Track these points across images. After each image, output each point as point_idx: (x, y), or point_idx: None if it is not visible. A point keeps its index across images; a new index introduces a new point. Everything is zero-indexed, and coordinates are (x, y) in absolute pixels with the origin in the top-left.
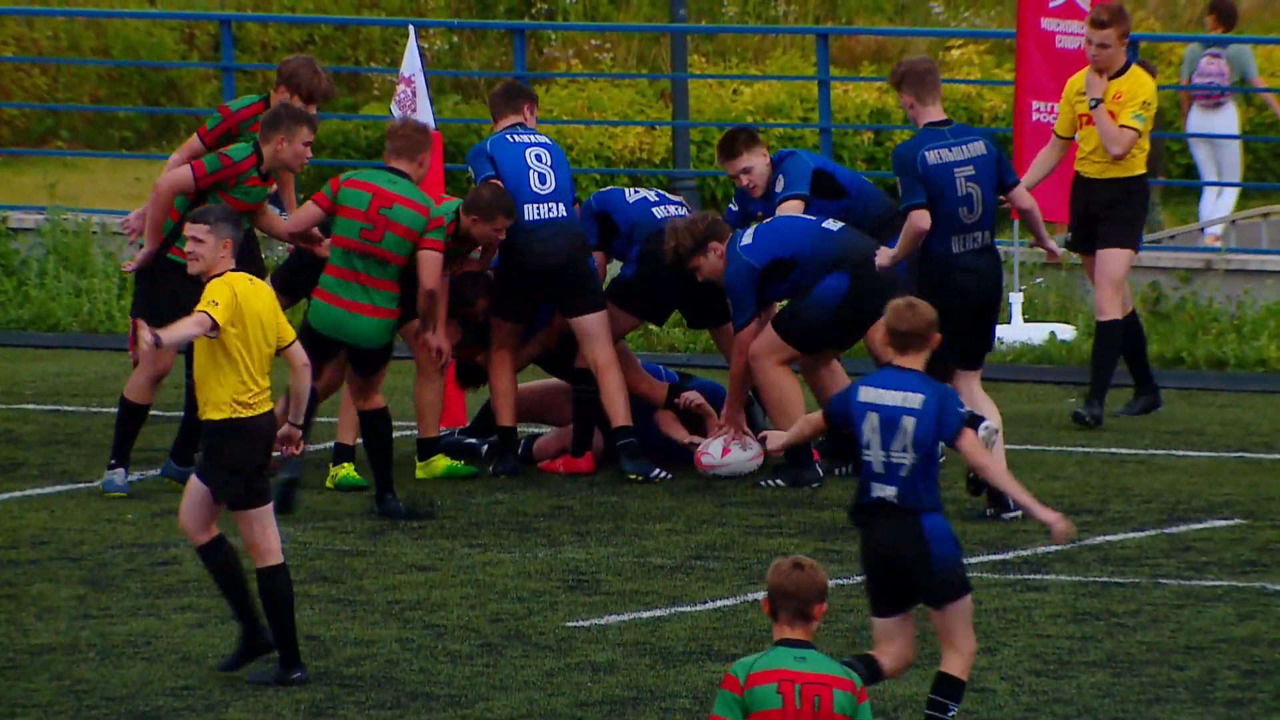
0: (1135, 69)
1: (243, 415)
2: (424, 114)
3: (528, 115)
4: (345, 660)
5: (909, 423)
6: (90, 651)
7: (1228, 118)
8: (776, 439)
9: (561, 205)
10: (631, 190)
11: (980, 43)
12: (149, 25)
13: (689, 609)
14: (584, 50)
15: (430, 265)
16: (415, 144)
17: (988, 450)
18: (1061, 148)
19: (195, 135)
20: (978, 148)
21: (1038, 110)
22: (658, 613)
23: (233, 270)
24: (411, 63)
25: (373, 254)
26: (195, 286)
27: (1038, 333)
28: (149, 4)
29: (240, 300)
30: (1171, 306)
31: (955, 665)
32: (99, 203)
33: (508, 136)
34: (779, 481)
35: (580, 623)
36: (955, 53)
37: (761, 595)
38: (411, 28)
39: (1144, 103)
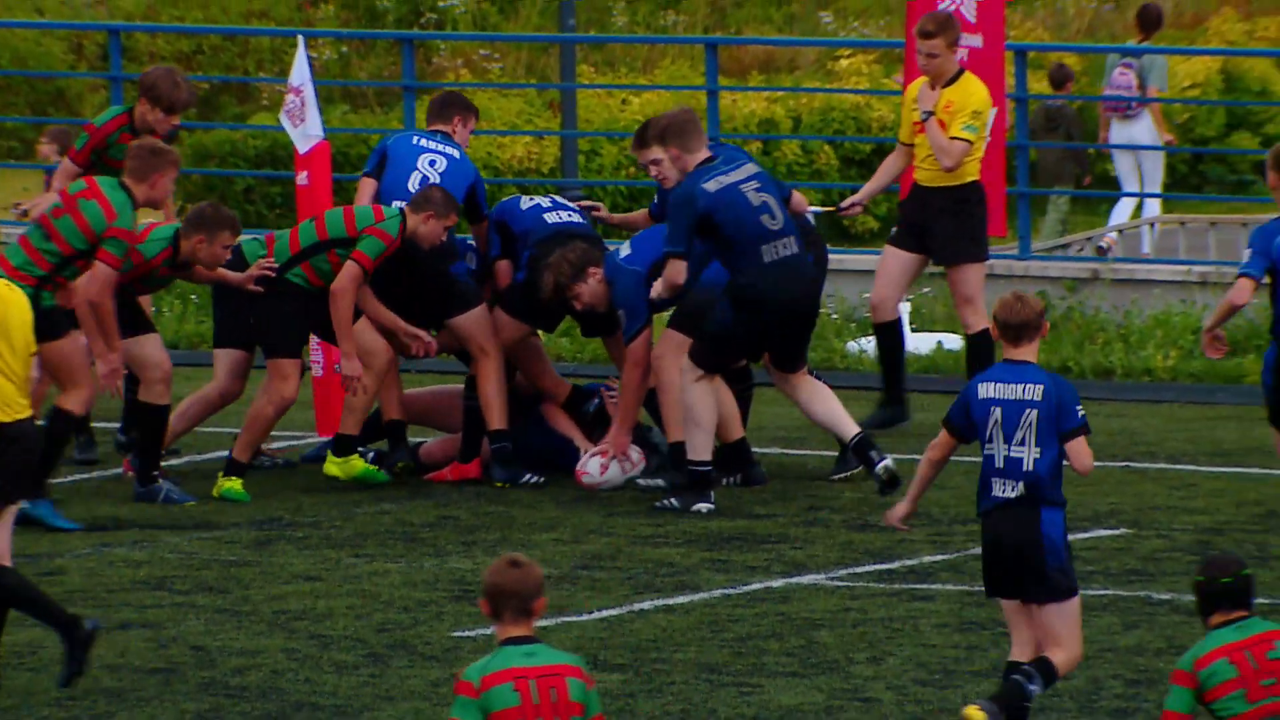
0: (967, 77)
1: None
2: (313, 123)
3: (457, 127)
4: (231, 670)
5: (1032, 415)
6: None
7: (1143, 127)
8: (896, 514)
9: None
10: (526, 198)
11: (869, 52)
12: (37, 35)
13: (575, 619)
14: (473, 60)
15: (98, 276)
16: (149, 165)
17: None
18: (906, 154)
19: (66, 158)
20: (750, 168)
21: None
22: (544, 623)
23: None
24: (300, 73)
25: (50, 231)
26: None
27: (925, 342)
28: (37, 14)
29: None
30: (1058, 316)
31: (1057, 657)
32: None
33: (414, 138)
34: (673, 502)
35: (466, 633)
36: (844, 62)
37: (648, 605)
38: (300, 38)
39: (974, 112)
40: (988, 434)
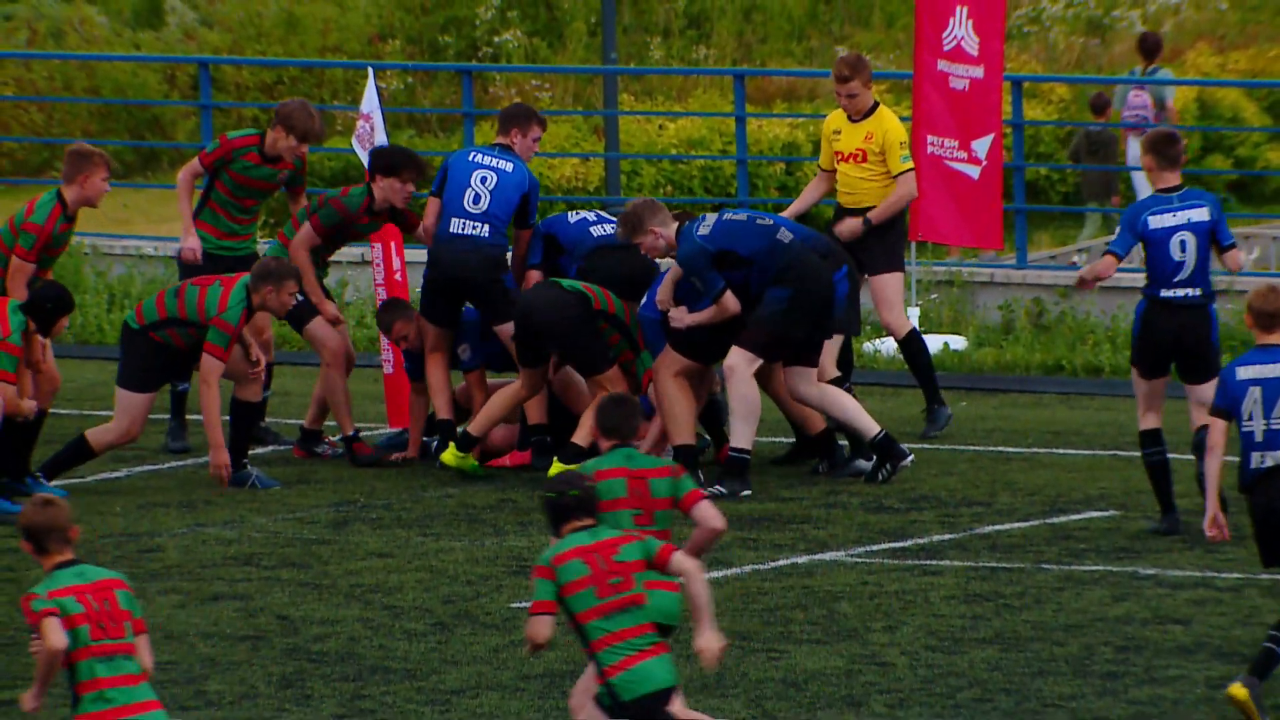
0: (882, 110)
1: None
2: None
3: (516, 139)
4: (312, 638)
5: None
6: None
7: None
8: (1211, 522)
9: (487, 227)
10: (574, 213)
11: (881, 83)
12: (135, 67)
13: None
14: (525, 89)
15: (11, 272)
16: (76, 168)
17: None
18: (827, 180)
19: (196, 158)
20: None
21: (933, 144)
22: None
23: None
24: (370, 101)
25: None
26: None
27: (933, 343)
28: (135, 48)
29: None
30: (1052, 319)
31: None
32: (90, 227)
33: (470, 154)
34: (720, 489)
35: (523, 604)
36: None
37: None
38: (370, 69)
39: (901, 143)
40: (1246, 412)
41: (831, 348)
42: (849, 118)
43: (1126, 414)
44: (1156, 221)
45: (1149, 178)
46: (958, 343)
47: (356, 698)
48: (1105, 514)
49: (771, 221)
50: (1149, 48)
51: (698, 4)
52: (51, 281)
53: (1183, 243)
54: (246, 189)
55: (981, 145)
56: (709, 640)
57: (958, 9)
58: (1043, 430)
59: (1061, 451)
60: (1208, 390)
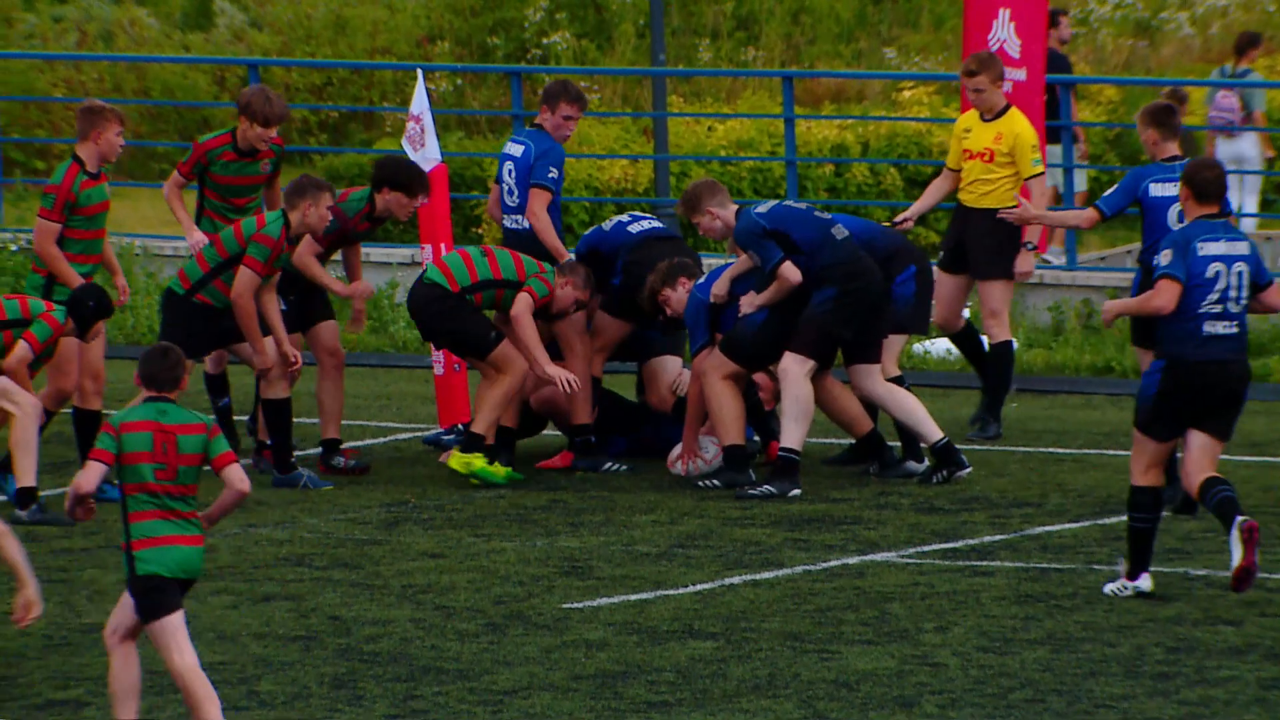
0: (1014, 112)
1: None
2: (431, 148)
3: (545, 116)
4: (364, 638)
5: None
6: None
7: (1249, 144)
8: None
9: (523, 217)
10: (607, 222)
11: (929, 84)
12: (184, 69)
13: (672, 592)
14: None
15: (37, 232)
16: (89, 124)
17: None
18: (952, 179)
19: (175, 170)
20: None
21: None
22: (644, 595)
23: None
24: (420, 102)
25: None
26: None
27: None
28: (184, 50)
29: None
30: (1102, 321)
31: None
32: (140, 228)
33: (506, 147)
34: (769, 489)
35: (574, 605)
36: (907, 93)
37: (737, 580)
38: (419, 71)
39: (1033, 146)
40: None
41: (895, 346)
42: (980, 116)
43: None
44: (1158, 190)
45: (1152, 150)
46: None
47: (409, 698)
48: None
49: (829, 216)
50: (1242, 45)
51: (746, 6)
52: (94, 284)
53: (1180, 213)
54: (233, 188)
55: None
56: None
57: (1001, 11)
58: (1093, 431)
59: (1112, 453)
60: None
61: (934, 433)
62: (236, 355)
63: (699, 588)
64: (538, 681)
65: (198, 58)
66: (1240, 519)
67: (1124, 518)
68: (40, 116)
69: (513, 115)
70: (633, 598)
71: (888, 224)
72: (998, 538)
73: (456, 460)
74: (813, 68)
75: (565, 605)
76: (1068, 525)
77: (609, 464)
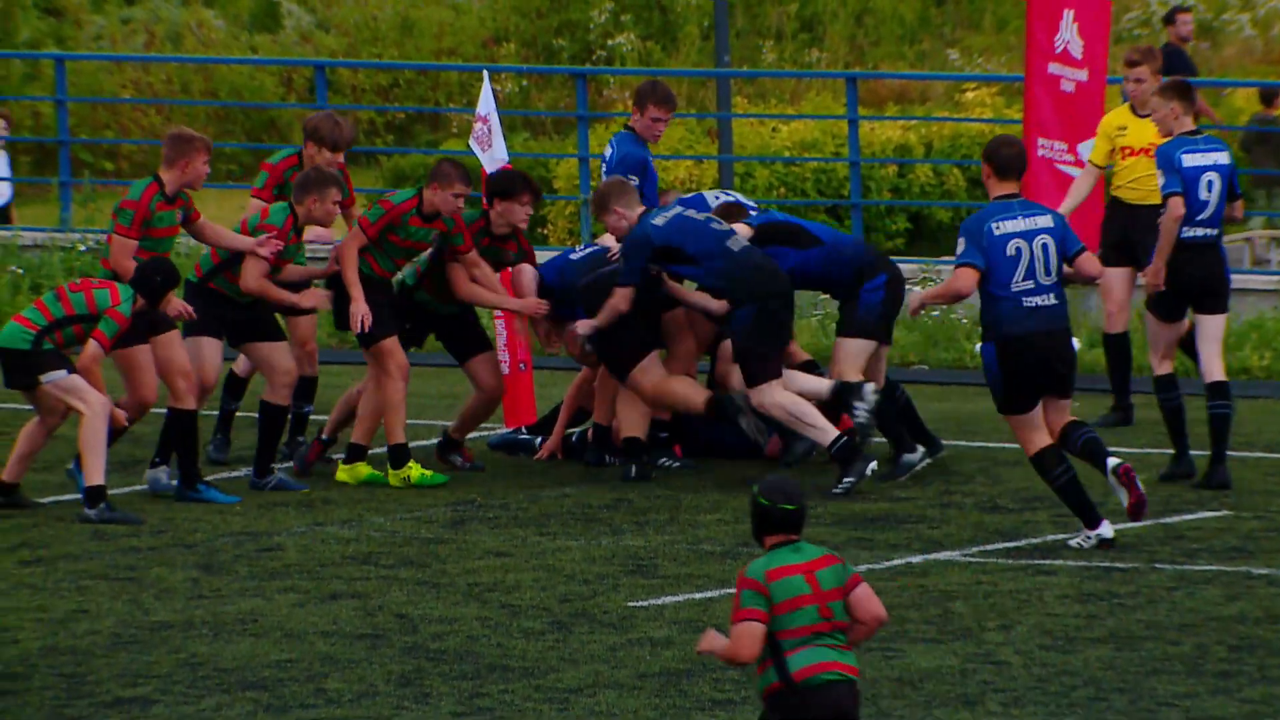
0: None
1: None
2: (498, 148)
3: (635, 117)
4: (431, 636)
5: None
6: (203, 628)
7: None
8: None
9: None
10: (660, 217)
11: (992, 86)
12: (251, 70)
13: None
14: None
15: (113, 249)
16: (175, 151)
17: None
18: (1095, 175)
19: (252, 195)
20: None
21: (1043, 147)
22: (709, 594)
23: None
24: (486, 103)
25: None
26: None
27: None
28: (251, 51)
29: None
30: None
31: None
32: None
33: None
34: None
35: (640, 603)
36: (970, 94)
37: None
38: (485, 72)
39: None
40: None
41: (861, 353)
42: (1135, 112)
43: (1238, 414)
44: (1190, 160)
45: (1172, 124)
46: (1071, 344)
47: (475, 695)
48: (1218, 514)
49: (727, 228)
50: None
51: (810, 7)
52: (158, 257)
53: (1210, 183)
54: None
55: (1085, 148)
56: None
57: (1065, 12)
58: (1156, 431)
59: (1173, 452)
60: (1219, 323)
61: (826, 436)
62: (250, 357)
63: None
64: (603, 679)
65: (265, 59)
66: (1114, 462)
67: (1186, 517)
68: (109, 118)
69: (578, 116)
70: (697, 596)
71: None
72: (1060, 537)
73: (345, 473)
74: (876, 69)
75: (630, 603)
76: (1130, 524)
77: (665, 460)
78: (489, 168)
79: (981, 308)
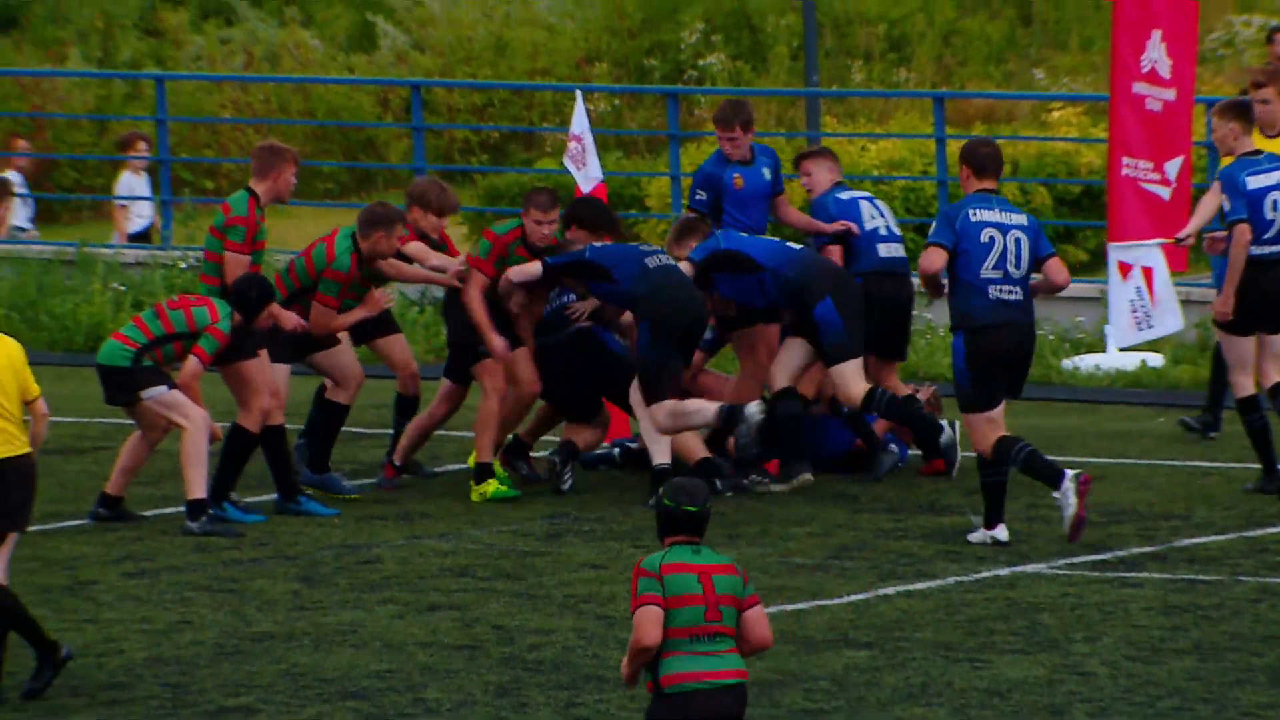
0: None
1: None
2: (593, 167)
3: (719, 135)
4: (527, 647)
5: None
6: (305, 639)
7: None
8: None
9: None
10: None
11: (1078, 105)
12: (348, 90)
13: (828, 602)
14: None
15: (230, 266)
16: (266, 163)
17: None
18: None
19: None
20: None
21: (1128, 165)
22: (800, 605)
23: None
24: (580, 122)
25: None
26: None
27: (1130, 360)
28: (348, 71)
29: None
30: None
31: None
32: (302, 245)
33: None
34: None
35: None
36: (1055, 114)
37: (891, 590)
38: (578, 92)
39: None
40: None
41: (856, 370)
42: (1264, 132)
43: None
44: (1254, 181)
45: (1232, 144)
46: (1155, 360)
47: (571, 705)
48: None
49: (650, 248)
50: None
51: (899, 28)
52: (253, 274)
53: (1275, 202)
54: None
55: (1172, 167)
56: None
57: (1154, 32)
58: (1239, 445)
59: (1258, 466)
60: None
61: (659, 456)
62: (312, 368)
63: (854, 598)
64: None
65: (361, 79)
66: (1072, 472)
67: (1269, 530)
68: (208, 137)
69: (669, 135)
70: (789, 608)
71: (1169, 240)
72: (1146, 550)
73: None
74: (963, 89)
75: None
76: (1214, 538)
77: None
78: (583, 186)
79: (950, 297)
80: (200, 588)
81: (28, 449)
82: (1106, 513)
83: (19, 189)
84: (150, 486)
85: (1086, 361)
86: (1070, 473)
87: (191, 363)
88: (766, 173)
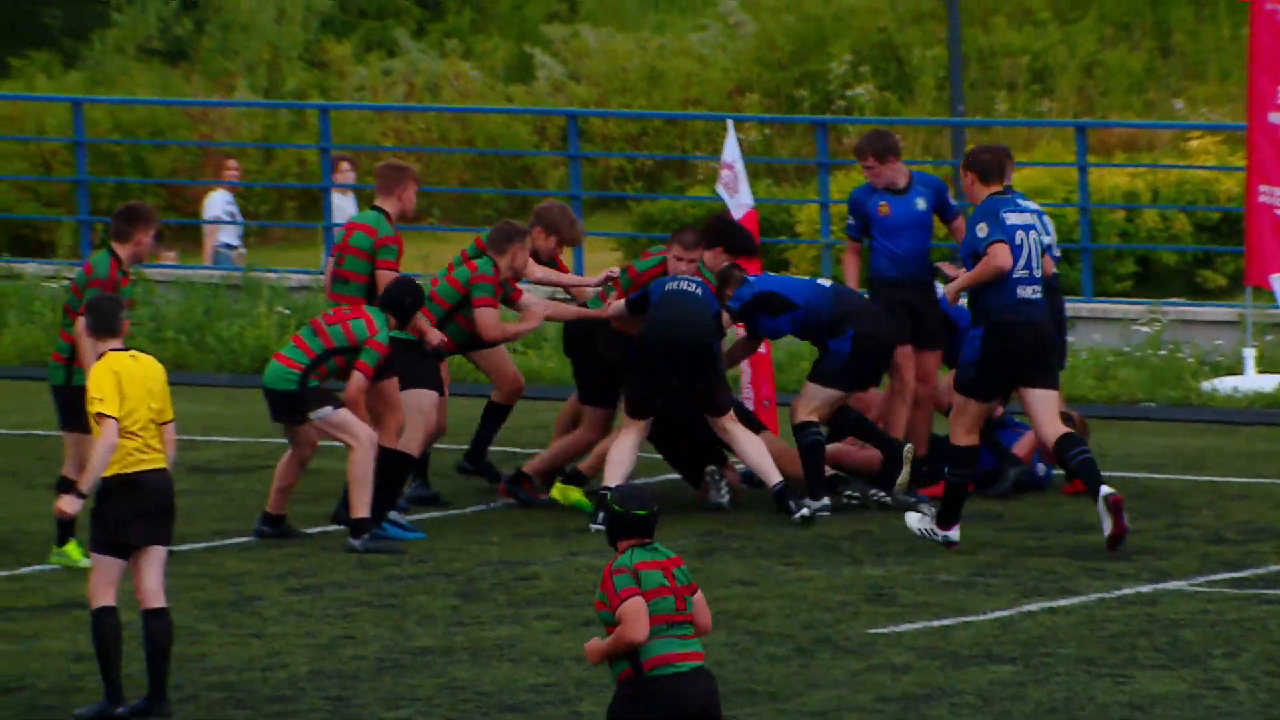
0: None
1: (120, 472)
2: (744, 194)
3: (860, 162)
4: None
5: None
6: (463, 654)
7: None
8: None
9: None
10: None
11: (1216, 134)
12: (507, 119)
13: (973, 618)
14: None
15: (384, 284)
16: (390, 181)
17: None
18: None
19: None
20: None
21: (1264, 193)
22: (946, 621)
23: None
24: (731, 151)
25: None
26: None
27: (1269, 382)
28: (506, 101)
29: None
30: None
31: None
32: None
33: None
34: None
35: (880, 630)
36: (1194, 143)
37: (1034, 607)
38: (729, 121)
39: None
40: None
41: (828, 400)
42: None
43: None
44: None
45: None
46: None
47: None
48: None
49: (669, 279)
50: None
51: (1041, 60)
52: (404, 278)
53: None
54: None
55: None
56: None
57: None
58: None
59: None
60: None
61: (611, 479)
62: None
63: (998, 614)
64: (845, 703)
65: (519, 109)
66: (1106, 491)
67: None
68: (370, 165)
69: (818, 163)
70: (935, 623)
71: None
72: None
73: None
74: (1105, 118)
75: (871, 630)
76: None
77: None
78: (735, 213)
79: (974, 293)
80: (362, 603)
81: (164, 464)
82: (1245, 531)
83: (229, 205)
84: (313, 504)
85: (1225, 384)
86: (1103, 490)
87: (356, 379)
88: (921, 202)
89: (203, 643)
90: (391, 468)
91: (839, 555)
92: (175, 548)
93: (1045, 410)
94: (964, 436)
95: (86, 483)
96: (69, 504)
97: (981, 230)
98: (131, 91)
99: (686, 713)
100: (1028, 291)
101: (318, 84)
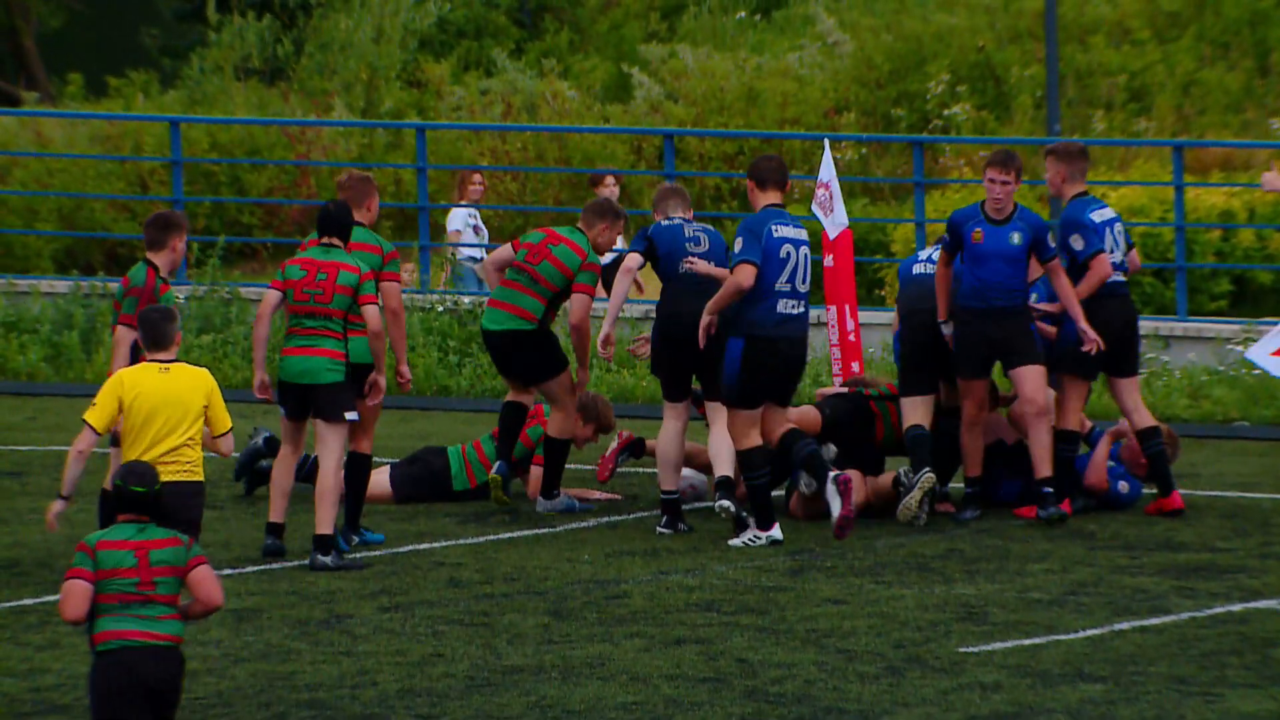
0: None
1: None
2: (839, 213)
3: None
4: (770, 680)
5: None
6: (553, 672)
7: None
8: None
9: None
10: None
11: None
12: (604, 139)
13: (1064, 637)
14: (974, 160)
15: (387, 296)
16: (362, 192)
17: None
18: None
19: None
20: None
21: None
22: (1037, 640)
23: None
24: (827, 170)
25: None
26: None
27: None
28: (604, 121)
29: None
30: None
31: None
32: None
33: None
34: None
35: (970, 649)
36: None
37: (1126, 625)
38: (826, 141)
39: None
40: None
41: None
42: None
43: None
44: None
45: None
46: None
47: None
48: None
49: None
50: None
51: (1139, 79)
52: None
53: None
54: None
55: None
56: None
57: None
58: None
59: None
60: None
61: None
62: (544, 395)
63: (1089, 633)
64: None
65: (616, 128)
66: (834, 474)
67: None
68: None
69: (914, 183)
70: (1026, 642)
71: None
72: None
73: None
74: (1202, 138)
75: (961, 649)
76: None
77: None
78: (831, 232)
79: (738, 304)
80: (452, 621)
81: (200, 478)
82: None
83: (471, 219)
84: (405, 522)
85: None
86: (831, 473)
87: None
88: (1016, 237)
89: (293, 661)
90: (359, 477)
91: (930, 574)
92: (267, 566)
93: (776, 417)
94: (746, 441)
95: (65, 485)
96: (52, 509)
97: (738, 245)
98: (229, 111)
99: (134, 684)
100: (789, 307)
101: (415, 103)
